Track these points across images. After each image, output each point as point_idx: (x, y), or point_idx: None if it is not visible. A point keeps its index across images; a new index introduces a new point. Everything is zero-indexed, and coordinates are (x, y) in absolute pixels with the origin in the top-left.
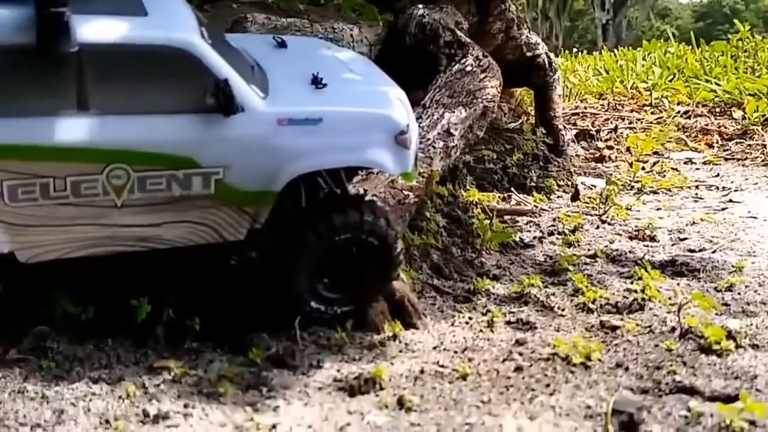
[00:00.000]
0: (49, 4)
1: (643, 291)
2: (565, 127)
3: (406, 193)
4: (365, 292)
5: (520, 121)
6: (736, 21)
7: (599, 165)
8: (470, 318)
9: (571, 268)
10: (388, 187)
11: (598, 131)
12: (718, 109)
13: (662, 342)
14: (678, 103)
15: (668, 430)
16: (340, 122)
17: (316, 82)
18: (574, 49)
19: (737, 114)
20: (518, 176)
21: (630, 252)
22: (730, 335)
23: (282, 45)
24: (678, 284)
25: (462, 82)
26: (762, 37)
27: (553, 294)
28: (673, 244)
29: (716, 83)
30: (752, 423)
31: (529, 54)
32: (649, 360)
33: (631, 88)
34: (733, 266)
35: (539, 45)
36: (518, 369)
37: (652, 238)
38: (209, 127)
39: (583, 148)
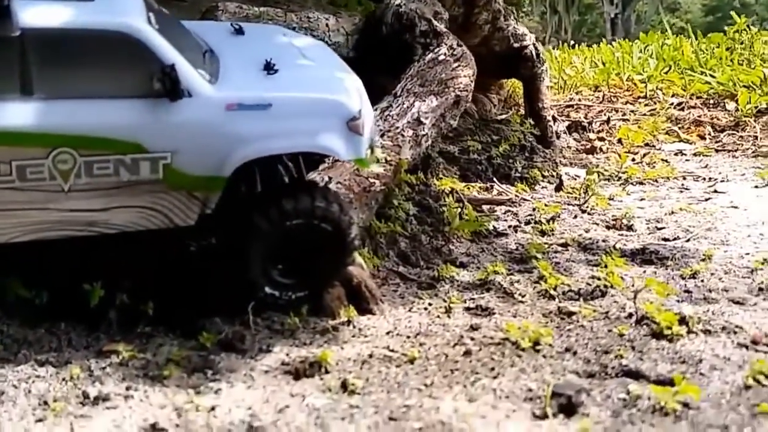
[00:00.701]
0: None
1: (606, 278)
2: (555, 119)
3: (372, 180)
4: (320, 278)
5: (510, 112)
6: (733, 13)
7: (589, 156)
8: (430, 304)
9: (539, 255)
10: (353, 174)
11: (590, 123)
12: (711, 101)
13: (615, 327)
14: (672, 95)
15: (606, 412)
16: (289, 108)
17: (268, 67)
18: (583, 44)
19: (730, 106)
20: (503, 167)
21: (603, 241)
22: (683, 321)
23: (239, 32)
24: (644, 272)
25: (434, 71)
26: (758, 29)
27: (518, 281)
28: (649, 233)
29: (711, 75)
30: (686, 405)
31: (516, 45)
32: (599, 345)
33: (626, 80)
34: (703, 255)
35: (527, 36)
36: (467, 353)
37: (629, 227)
38: (156, 112)
39: (574, 139)
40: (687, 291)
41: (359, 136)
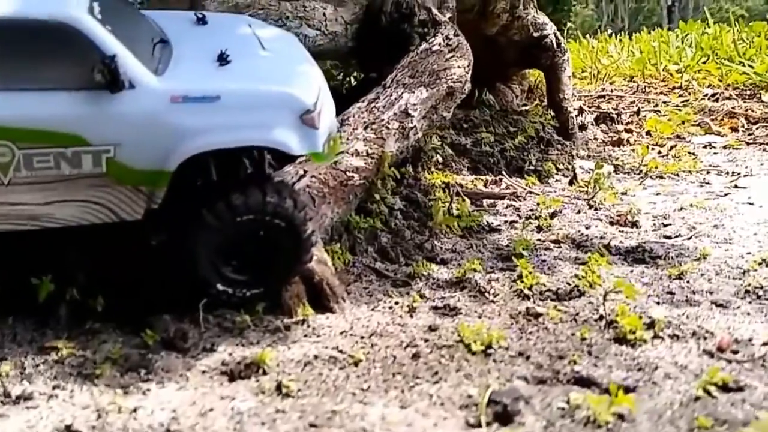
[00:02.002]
0: None
1: (586, 278)
2: (582, 110)
3: (350, 174)
4: (275, 275)
5: (534, 103)
6: None
7: (615, 148)
8: (396, 303)
9: (525, 253)
10: (330, 168)
11: (619, 114)
12: (748, 92)
13: (579, 331)
14: (708, 86)
15: (541, 421)
16: (238, 100)
17: (222, 59)
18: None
19: (767, 97)
20: (516, 159)
21: (600, 238)
22: (651, 325)
23: (202, 21)
24: (631, 271)
25: (426, 62)
26: None
27: (496, 280)
28: (653, 230)
29: (749, 65)
30: (620, 417)
31: (536, 34)
32: (556, 349)
33: (662, 71)
34: (699, 254)
35: (547, 25)
36: (416, 356)
37: (634, 224)
38: (97, 104)
39: (602, 131)
40: (669, 292)
41: (314, 129)
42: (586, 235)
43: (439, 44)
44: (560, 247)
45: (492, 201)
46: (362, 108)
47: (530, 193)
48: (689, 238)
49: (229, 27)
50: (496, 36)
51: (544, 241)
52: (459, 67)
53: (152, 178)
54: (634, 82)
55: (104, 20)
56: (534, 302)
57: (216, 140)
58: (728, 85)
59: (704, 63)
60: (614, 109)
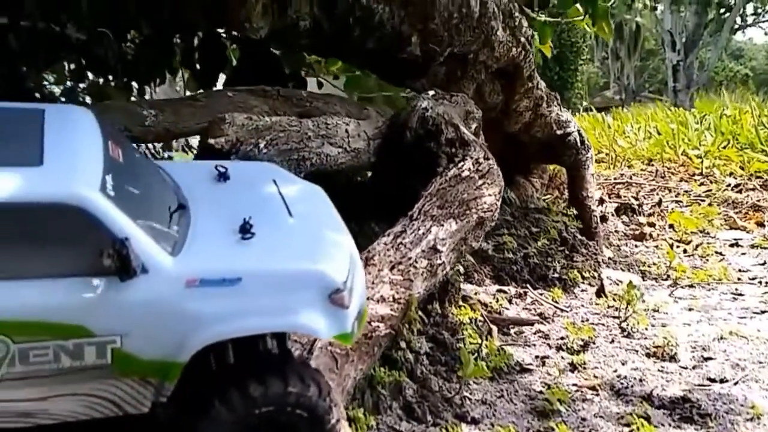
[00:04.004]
0: None
1: None
2: (603, 200)
3: (375, 324)
4: None
5: (553, 195)
6: None
7: (638, 243)
8: None
9: (562, 409)
10: None
11: (640, 205)
12: None
13: None
14: (729, 174)
15: None
16: (262, 281)
17: (244, 230)
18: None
19: None
20: (540, 266)
21: (640, 381)
22: None
23: (224, 177)
24: None
25: (456, 189)
26: None
27: None
28: (693, 367)
29: None
30: None
31: (559, 132)
32: None
33: (681, 154)
34: (750, 411)
35: (570, 122)
36: None
37: (672, 357)
38: (105, 291)
39: (623, 222)
40: None
41: (344, 309)
42: (624, 377)
43: (469, 169)
44: (598, 394)
45: (519, 328)
46: (388, 244)
47: (557, 311)
48: (735, 383)
49: (253, 185)
50: (518, 133)
51: (580, 388)
52: (490, 195)
53: (162, 369)
54: (652, 165)
55: (117, 195)
56: None
57: (235, 328)
58: (751, 174)
59: (724, 148)
60: (634, 198)
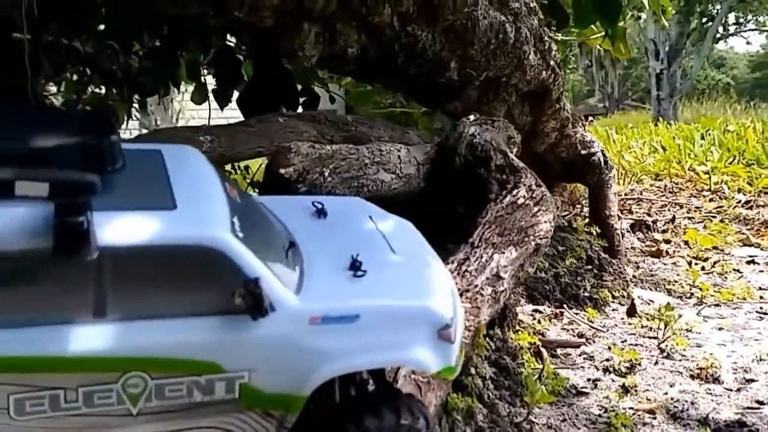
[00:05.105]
0: (70, 211)
1: None
2: (619, 216)
3: None
4: None
5: (573, 212)
6: None
7: (656, 260)
8: None
9: None
10: None
11: (654, 222)
12: None
13: None
14: (738, 190)
15: None
16: (378, 318)
17: (355, 267)
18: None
19: None
20: (571, 286)
21: (692, 403)
22: None
23: (321, 213)
24: None
25: (513, 217)
26: None
27: None
28: (738, 389)
29: None
30: None
31: (583, 152)
32: None
33: (688, 170)
34: None
35: (594, 143)
36: None
37: (716, 379)
38: (236, 329)
39: (638, 239)
40: None
41: (450, 344)
42: (677, 401)
43: (524, 197)
44: (655, 417)
45: (565, 350)
46: (453, 271)
47: (596, 331)
48: None
49: (351, 220)
50: (544, 153)
51: (637, 411)
52: (545, 222)
53: (285, 402)
54: (660, 180)
55: (245, 236)
56: None
57: (355, 363)
58: (760, 191)
59: (730, 164)
60: (647, 214)
